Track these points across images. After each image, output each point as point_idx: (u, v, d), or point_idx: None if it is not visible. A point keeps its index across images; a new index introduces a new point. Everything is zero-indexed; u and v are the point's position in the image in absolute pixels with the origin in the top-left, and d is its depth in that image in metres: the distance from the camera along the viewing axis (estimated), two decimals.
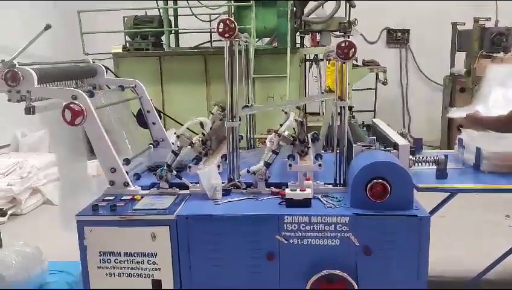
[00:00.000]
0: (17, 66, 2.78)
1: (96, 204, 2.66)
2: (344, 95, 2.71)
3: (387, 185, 2.48)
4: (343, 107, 2.73)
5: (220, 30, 2.64)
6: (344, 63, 2.64)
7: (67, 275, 4.04)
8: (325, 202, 2.62)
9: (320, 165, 2.74)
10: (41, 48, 2.94)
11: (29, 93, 2.79)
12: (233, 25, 2.61)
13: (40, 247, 3.91)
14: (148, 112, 3.80)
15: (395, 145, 2.86)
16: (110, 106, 3.46)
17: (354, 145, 2.79)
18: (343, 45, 2.56)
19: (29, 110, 2.83)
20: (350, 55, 2.58)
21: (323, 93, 7.71)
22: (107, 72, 3.83)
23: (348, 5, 7.76)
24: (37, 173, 6.57)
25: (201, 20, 8.29)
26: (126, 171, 2.94)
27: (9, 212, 6.01)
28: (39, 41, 2.96)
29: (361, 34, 9.01)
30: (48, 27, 2.85)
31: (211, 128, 3.46)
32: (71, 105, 2.68)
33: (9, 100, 2.83)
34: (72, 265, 4.04)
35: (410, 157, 2.84)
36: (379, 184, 2.49)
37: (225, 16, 7.66)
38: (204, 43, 8.33)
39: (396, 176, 2.51)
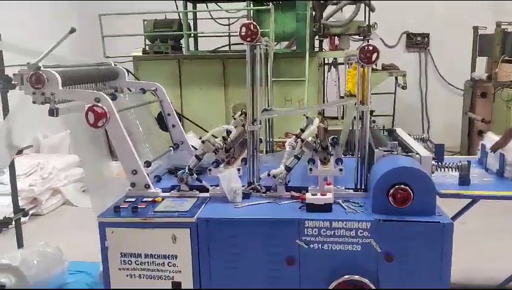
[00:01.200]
0: (41, 68, 2.83)
1: (117, 205, 2.68)
2: (366, 99, 2.69)
3: (410, 191, 2.46)
4: (365, 111, 2.71)
5: (243, 34, 2.65)
6: (366, 67, 2.63)
7: (87, 276, 4.08)
8: (346, 207, 2.60)
9: (341, 169, 2.72)
10: (59, 49, 2.98)
11: (53, 95, 2.83)
12: (255, 29, 2.62)
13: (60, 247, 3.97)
14: (169, 114, 3.83)
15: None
16: (131, 109, 3.50)
17: (375, 150, 2.77)
18: (366, 49, 2.55)
19: (53, 112, 2.87)
20: (373, 59, 2.57)
21: (342, 97, 7.68)
22: (128, 75, 3.87)
23: (367, 8, 7.71)
24: (57, 174, 6.67)
25: (220, 24, 8.32)
26: (147, 174, 2.96)
27: (30, 212, 6.09)
28: (51, 41, 3.00)
29: (380, 38, 8.95)
30: (72, 30, 2.89)
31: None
32: (94, 107, 2.71)
33: (34, 102, 2.88)
34: (91, 266, 4.09)
35: (433, 162, 2.81)
36: (401, 190, 2.46)
37: (245, 20, 7.74)
38: (223, 46, 8.37)
39: (418, 181, 2.48)
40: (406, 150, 2.86)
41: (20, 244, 4.46)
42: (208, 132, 3.28)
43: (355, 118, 2.86)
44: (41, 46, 3.26)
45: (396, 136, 3.40)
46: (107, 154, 3.28)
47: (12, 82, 3.77)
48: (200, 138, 3.16)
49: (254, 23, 2.63)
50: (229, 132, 3.26)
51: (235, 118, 3.73)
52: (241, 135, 3.61)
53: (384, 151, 2.77)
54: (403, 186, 2.46)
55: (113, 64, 3.80)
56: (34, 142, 7.83)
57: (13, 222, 4.42)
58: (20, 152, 3.97)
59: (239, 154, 3.45)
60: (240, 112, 3.80)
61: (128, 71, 3.89)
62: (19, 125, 3.69)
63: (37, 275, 3.60)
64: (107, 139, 3.02)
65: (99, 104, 2.73)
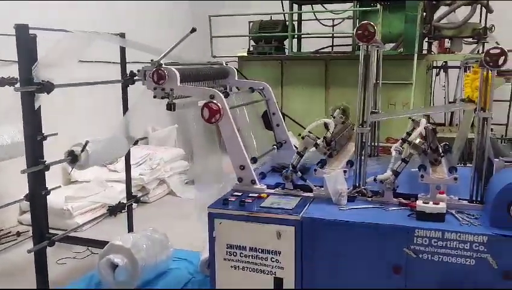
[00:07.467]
0: (163, 65, 3.02)
1: (226, 198, 2.79)
2: (488, 105, 2.53)
3: None
4: (486, 118, 2.54)
5: (359, 34, 2.61)
6: (492, 71, 2.46)
7: (189, 264, 4.26)
8: (460, 219, 2.46)
9: (456, 178, 2.58)
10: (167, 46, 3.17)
11: (172, 91, 3.03)
12: (373, 30, 2.57)
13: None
14: (274, 114, 3.91)
15: None
16: (240, 107, 3.61)
17: (495, 160, 2.59)
18: (493, 52, 2.39)
19: (171, 107, 3.06)
20: (500, 63, 2.40)
21: (450, 102, 7.28)
22: (237, 74, 4.01)
23: (483, 9, 7.22)
24: (164, 165, 7.07)
25: (324, 25, 8.29)
26: (253, 170, 3.04)
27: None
28: (168, 40, 3.17)
29: (496, 42, 8.31)
30: (193, 30, 3.06)
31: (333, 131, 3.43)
32: (209, 104, 2.85)
33: (154, 97, 3.10)
34: (193, 254, 4.27)
35: None
36: None
37: (350, 21, 7.61)
38: (326, 47, 8.32)
39: None
40: None
41: (130, 229, 4.81)
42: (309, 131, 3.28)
43: (473, 125, 2.70)
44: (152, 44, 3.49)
45: None
46: (219, 149, 3.41)
47: (135, 78, 4.11)
48: (299, 134, 3.17)
49: (372, 23, 2.58)
50: (326, 125, 3.24)
51: (334, 117, 3.69)
52: (340, 131, 3.57)
53: (506, 162, 2.58)
54: None
55: (224, 64, 3.95)
56: (144, 135, 8.37)
57: (125, 207, 4.77)
58: (136, 143, 4.27)
59: (340, 150, 3.42)
60: (338, 109, 3.76)
61: (238, 71, 4.03)
62: (137, 119, 3.99)
63: (146, 258, 3.82)
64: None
65: (214, 101, 2.86)
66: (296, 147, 3.95)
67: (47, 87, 3.40)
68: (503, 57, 2.40)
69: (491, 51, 2.41)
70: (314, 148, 3.13)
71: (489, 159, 2.66)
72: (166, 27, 8.21)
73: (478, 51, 7.12)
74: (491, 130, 3.57)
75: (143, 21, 8.11)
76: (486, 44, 7.13)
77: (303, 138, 3.09)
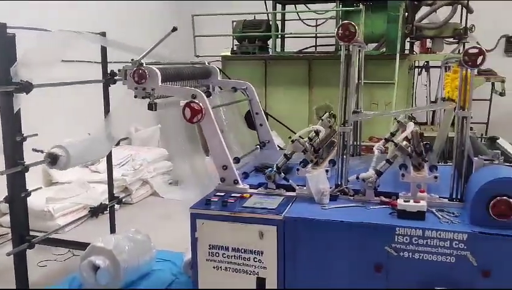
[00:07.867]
0: (144, 65, 2.99)
1: (209, 199, 2.77)
2: (467, 104, 2.56)
3: None
4: (465, 117, 2.57)
5: (340, 34, 2.62)
6: (470, 70, 2.49)
7: (172, 265, 4.22)
8: (440, 217, 2.49)
9: (436, 177, 2.61)
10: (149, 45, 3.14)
11: (154, 90, 2.99)
12: (353, 30, 2.58)
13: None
14: (257, 113, 3.90)
15: None
16: (223, 106, 3.60)
17: (475, 158, 2.62)
18: (471, 51, 2.42)
19: (152, 107, 3.03)
20: (478, 62, 2.43)
21: (432, 102, 7.37)
22: (220, 74, 3.99)
23: (464, 10, 7.32)
24: (147, 165, 7.02)
25: (307, 25, 8.32)
26: (236, 170, 3.03)
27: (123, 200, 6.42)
28: (150, 39, 3.16)
29: (477, 42, 8.44)
30: (174, 29, 3.04)
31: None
32: (191, 104, 2.83)
33: (135, 96, 3.07)
34: (176, 255, 4.24)
35: None
36: (504, 202, 2.31)
37: (333, 21, 7.66)
38: (309, 47, 8.36)
39: None
40: (510, 160, 2.67)
41: (112, 230, 4.76)
42: (293, 131, 3.29)
43: (453, 124, 2.73)
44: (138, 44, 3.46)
45: (498, 145, 3.19)
46: (201, 149, 3.39)
47: (116, 77, 4.08)
48: (290, 137, 3.17)
49: (353, 23, 2.59)
50: (318, 132, 3.25)
51: (322, 119, 3.70)
52: (328, 136, 3.58)
53: (485, 160, 2.61)
54: (505, 198, 2.31)
55: (206, 63, 3.94)
56: (127, 135, 8.30)
57: (107, 209, 4.73)
58: (118, 143, 4.22)
59: (326, 156, 3.43)
60: (327, 113, 3.77)
61: (220, 70, 4.01)
62: (119, 119, 3.95)
63: (128, 260, 3.77)
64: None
65: (196, 101, 2.84)
66: (280, 147, 3.96)
67: (26, 87, 3.34)
68: (482, 56, 2.42)
69: (470, 51, 2.44)
70: (302, 153, 3.13)
71: (469, 158, 2.69)
72: (153, 27, 8.17)
73: (459, 51, 7.22)
74: (471, 128, 3.62)
75: (140, 21, 8.08)
76: (466, 44, 7.24)
77: (293, 141, 3.09)
